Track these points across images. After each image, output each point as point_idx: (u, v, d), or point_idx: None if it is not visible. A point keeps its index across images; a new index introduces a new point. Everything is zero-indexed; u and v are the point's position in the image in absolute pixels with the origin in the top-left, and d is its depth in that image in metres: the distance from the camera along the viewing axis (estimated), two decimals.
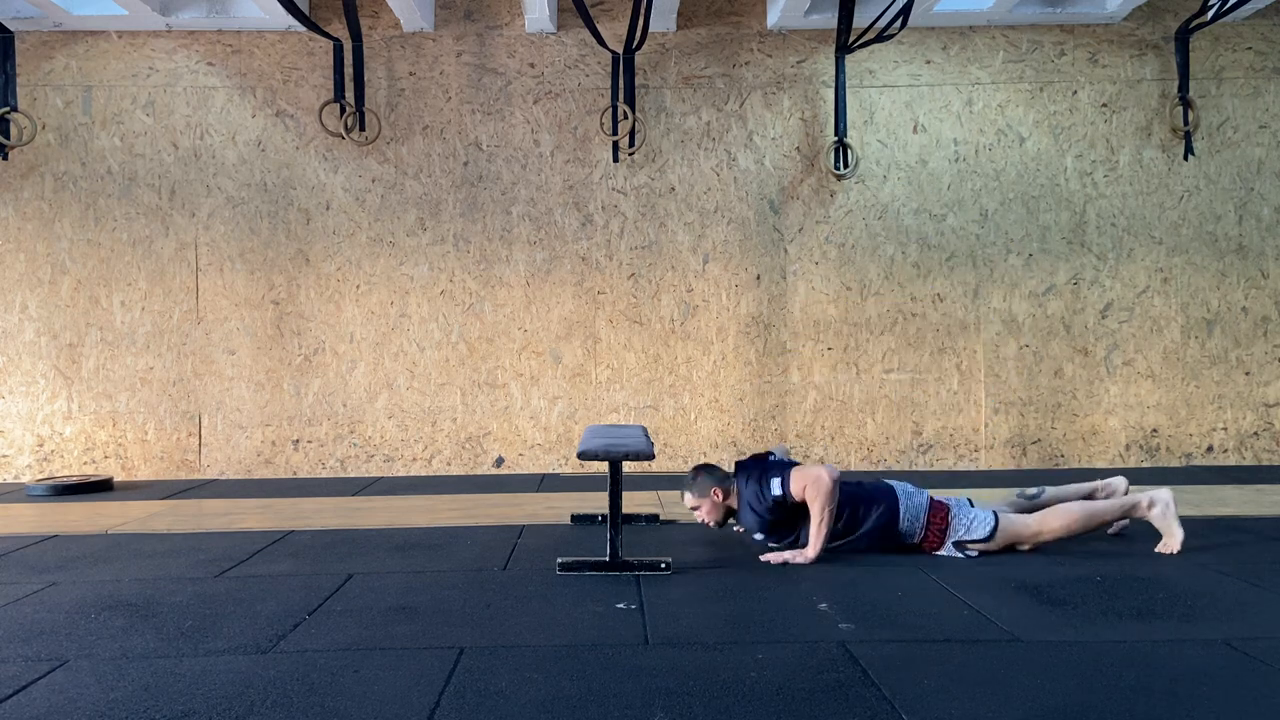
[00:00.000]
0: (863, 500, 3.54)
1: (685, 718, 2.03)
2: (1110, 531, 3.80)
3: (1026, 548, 3.57)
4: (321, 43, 5.71)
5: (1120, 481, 3.77)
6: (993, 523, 3.50)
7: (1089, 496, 3.76)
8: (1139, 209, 5.85)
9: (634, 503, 4.50)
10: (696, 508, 3.70)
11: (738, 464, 3.70)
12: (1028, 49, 5.86)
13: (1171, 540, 3.52)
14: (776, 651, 2.45)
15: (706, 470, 3.73)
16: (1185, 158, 5.82)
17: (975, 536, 3.50)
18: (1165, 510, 3.53)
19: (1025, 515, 3.58)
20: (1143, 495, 3.58)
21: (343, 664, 2.39)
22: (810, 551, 3.40)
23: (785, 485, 3.44)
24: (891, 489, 3.59)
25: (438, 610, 2.86)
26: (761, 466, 3.58)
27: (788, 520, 3.54)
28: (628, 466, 3.81)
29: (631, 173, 5.82)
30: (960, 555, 3.49)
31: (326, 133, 5.71)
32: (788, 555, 3.42)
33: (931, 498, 3.58)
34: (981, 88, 5.86)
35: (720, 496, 3.66)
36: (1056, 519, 3.52)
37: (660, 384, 5.83)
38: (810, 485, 3.39)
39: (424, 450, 5.79)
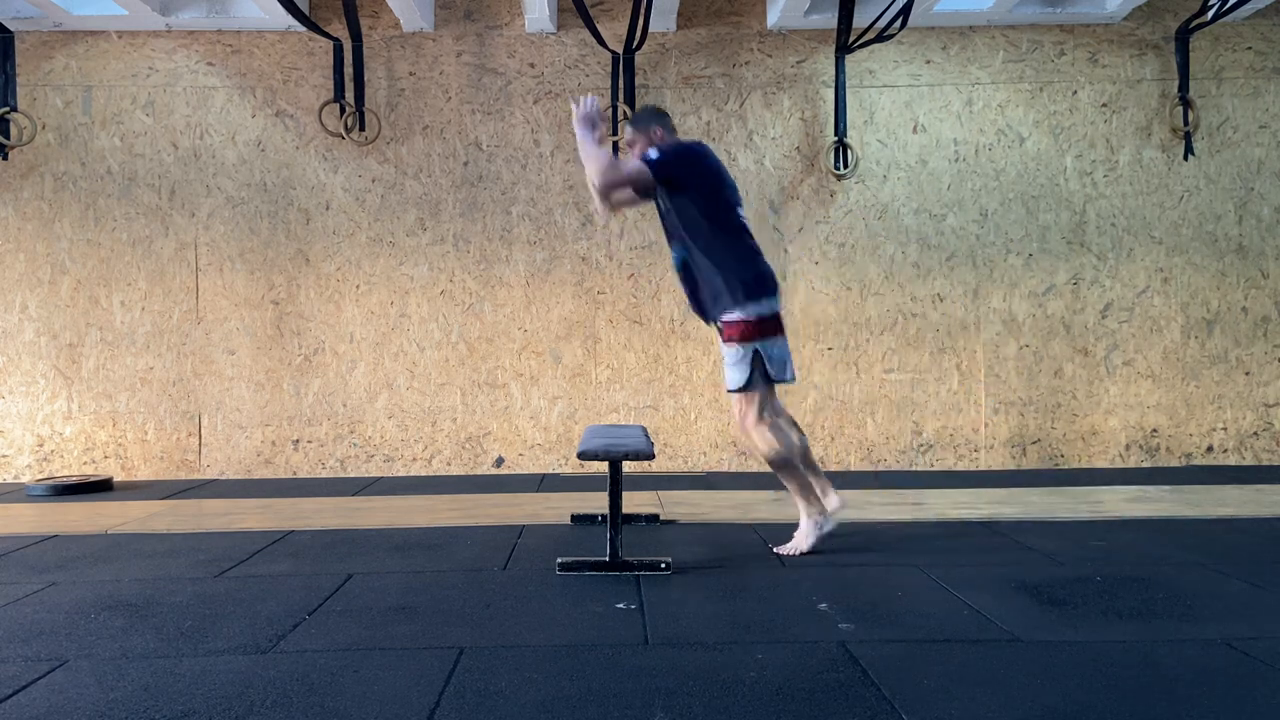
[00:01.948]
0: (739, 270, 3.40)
1: (685, 718, 2.03)
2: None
3: (740, 431, 3.53)
4: (321, 43, 5.71)
5: (835, 501, 3.64)
6: (744, 381, 3.39)
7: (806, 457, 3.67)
8: (1139, 209, 5.85)
9: (634, 503, 4.50)
10: (633, 143, 3.60)
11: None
12: (1028, 49, 5.86)
13: (798, 542, 3.49)
14: (776, 651, 2.45)
15: (656, 111, 3.64)
16: (1185, 158, 5.82)
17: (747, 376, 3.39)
18: (819, 525, 3.49)
19: (777, 422, 3.50)
20: (827, 499, 3.57)
21: (343, 664, 2.39)
22: (590, 155, 3.32)
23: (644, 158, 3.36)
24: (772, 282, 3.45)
25: (438, 610, 2.86)
26: (670, 144, 3.46)
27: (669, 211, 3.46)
28: (628, 466, 3.81)
29: None
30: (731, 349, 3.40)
31: (326, 133, 5.71)
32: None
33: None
34: (981, 88, 5.86)
35: (659, 137, 3.56)
36: (763, 439, 3.43)
37: (660, 384, 5.83)
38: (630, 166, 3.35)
39: (424, 450, 5.79)
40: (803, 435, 3.75)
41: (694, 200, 3.40)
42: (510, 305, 5.80)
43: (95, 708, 2.10)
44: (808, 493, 3.55)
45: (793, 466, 3.50)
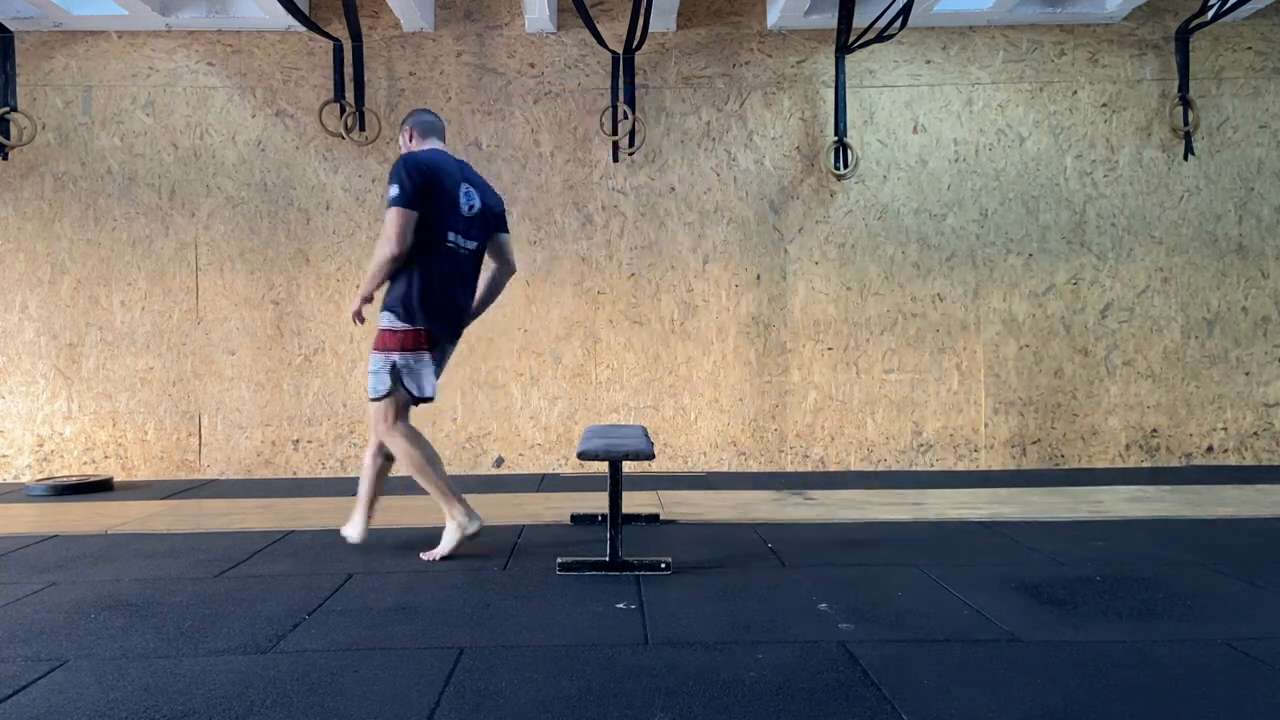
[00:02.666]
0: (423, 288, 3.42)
1: (685, 718, 2.03)
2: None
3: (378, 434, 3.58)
4: (321, 43, 5.71)
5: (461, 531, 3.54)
6: (387, 390, 3.47)
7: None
8: (1139, 209, 5.85)
9: (634, 503, 4.50)
10: (400, 141, 3.63)
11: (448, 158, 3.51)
12: (1028, 49, 5.86)
13: (441, 547, 3.53)
14: (776, 651, 2.45)
15: (414, 112, 3.59)
16: (1185, 158, 5.82)
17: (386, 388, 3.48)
18: (463, 527, 3.50)
19: (403, 428, 3.57)
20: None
21: (343, 664, 2.39)
22: (358, 296, 3.47)
23: (391, 200, 3.31)
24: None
25: (438, 610, 2.86)
26: (434, 163, 3.37)
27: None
28: (628, 466, 3.81)
29: (631, 173, 5.82)
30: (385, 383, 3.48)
31: (326, 133, 5.71)
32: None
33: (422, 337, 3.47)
34: (981, 88, 5.86)
35: (409, 139, 3.54)
36: (401, 448, 3.51)
37: (660, 384, 5.83)
38: (384, 234, 3.33)
39: None
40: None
41: (422, 216, 3.37)
42: (510, 305, 5.79)
43: (95, 708, 2.10)
44: (449, 496, 3.53)
45: (430, 471, 3.50)
